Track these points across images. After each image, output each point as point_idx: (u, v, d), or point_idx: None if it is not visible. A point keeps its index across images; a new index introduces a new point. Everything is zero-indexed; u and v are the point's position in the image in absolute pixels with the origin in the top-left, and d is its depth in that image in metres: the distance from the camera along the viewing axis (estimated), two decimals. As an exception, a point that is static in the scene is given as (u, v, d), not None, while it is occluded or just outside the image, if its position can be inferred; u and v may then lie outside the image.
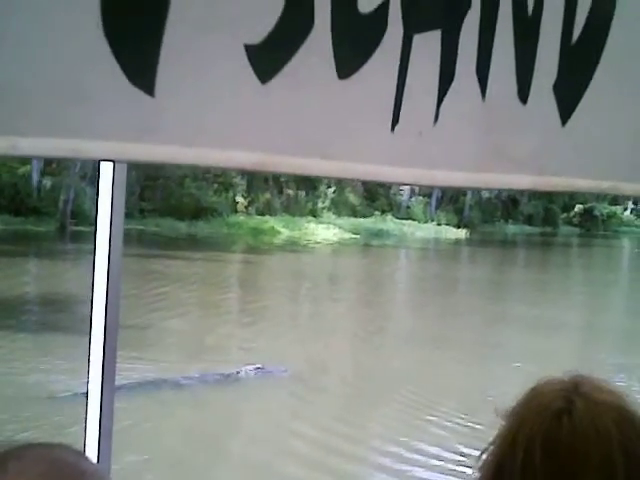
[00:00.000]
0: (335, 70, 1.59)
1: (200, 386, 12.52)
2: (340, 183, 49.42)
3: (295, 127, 1.57)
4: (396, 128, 1.67)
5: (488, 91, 1.78)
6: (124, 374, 10.73)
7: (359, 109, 1.64)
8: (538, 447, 1.18)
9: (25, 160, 37.42)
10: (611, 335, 18.81)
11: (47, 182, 37.51)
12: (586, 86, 1.89)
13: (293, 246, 36.32)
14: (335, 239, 40.02)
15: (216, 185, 42.91)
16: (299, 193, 47.06)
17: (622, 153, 2.00)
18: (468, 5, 1.75)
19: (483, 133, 1.81)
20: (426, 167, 1.76)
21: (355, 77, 1.61)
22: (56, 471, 0.94)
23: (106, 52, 1.31)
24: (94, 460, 1.74)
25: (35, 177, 37.31)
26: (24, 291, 20.96)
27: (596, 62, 1.90)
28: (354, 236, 41.16)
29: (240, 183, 44.86)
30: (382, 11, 1.63)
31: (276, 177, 47.38)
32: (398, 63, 1.66)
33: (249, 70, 1.48)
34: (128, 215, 1.94)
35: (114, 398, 2.00)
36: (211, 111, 1.46)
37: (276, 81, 1.51)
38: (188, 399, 11.99)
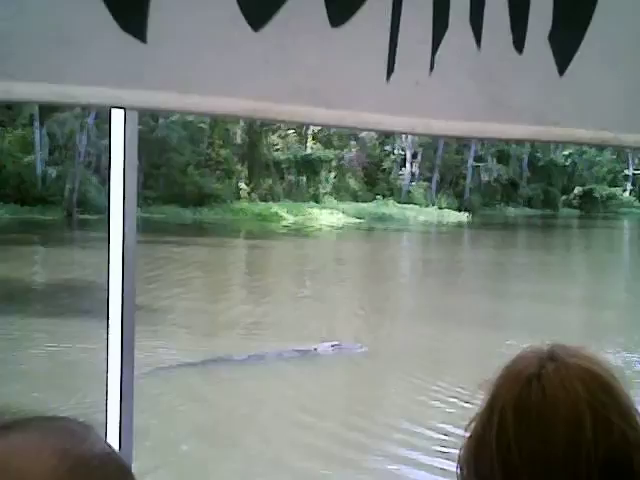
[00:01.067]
0: (327, 18, 1.61)
1: (281, 362, 12.89)
2: (341, 168, 49.86)
3: (289, 74, 1.59)
4: (391, 77, 1.68)
5: (483, 40, 1.79)
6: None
7: (353, 58, 1.66)
8: (510, 412, 1.22)
9: (28, 148, 37.70)
10: (611, 309, 19.26)
11: (52, 171, 37.78)
12: (582, 36, 1.89)
13: (298, 231, 36.70)
14: (339, 224, 40.39)
15: (218, 172, 43.19)
16: (300, 179, 47.40)
17: (622, 103, 1.99)
18: None
19: (480, 82, 1.82)
20: (423, 116, 1.78)
21: (348, 25, 1.64)
22: (63, 441, 0.88)
23: None
24: (116, 444, 1.94)
25: (39, 166, 37.61)
26: (40, 278, 21.32)
27: (591, 10, 1.89)
28: (358, 220, 41.53)
29: (242, 170, 45.18)
30: None
31: (277, 163, 47.80)
32: (390, 11, 1.68)
33: (240, 17, 1.51)
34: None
35: (133, 381, 2.01)
36: (204, 58, 1.50)
37: (268, 28, 1.54)
38: (278, 373, 12.40)
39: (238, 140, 45.94)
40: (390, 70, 1.68)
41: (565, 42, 1.88)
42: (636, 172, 60.60)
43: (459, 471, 1.27)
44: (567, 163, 58.14)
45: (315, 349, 13.51)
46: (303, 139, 50.04)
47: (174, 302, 17.47)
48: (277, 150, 48.16)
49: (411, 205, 48.24)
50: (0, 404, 9.75)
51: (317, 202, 45.14)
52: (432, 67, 1.73)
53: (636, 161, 60.77)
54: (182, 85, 1.47)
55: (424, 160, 52.99)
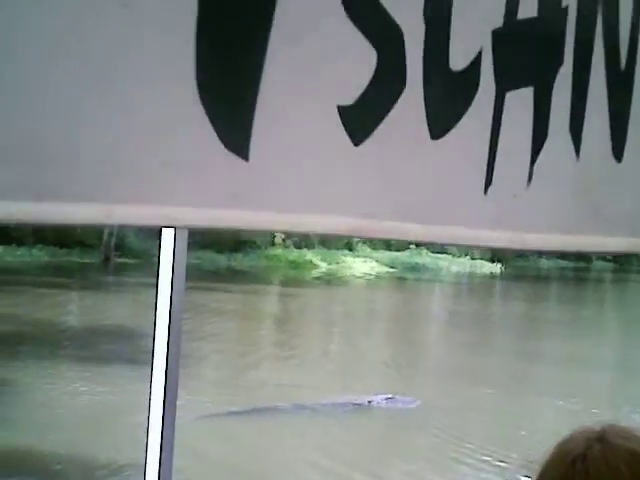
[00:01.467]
0: (428, 130, 1.57)
1: (335, 413, 13.08)
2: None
3: (389, 189, 1.54)
4: (489, 189, 1.64)
5: (582, 149, 1.72)
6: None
7: (452, 170, 1.61)
8: None
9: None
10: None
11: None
12: None
13: (332, 279, 36.93)
14: (372, 272, 40.51)
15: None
16: (334, 226, 47.70)
17: None
18: (560, 60, 1.72)
19: (578, 194, 1.74)
20: (519, 230, 1.72)
21: (448, 137, 1.59)
22: None
23: (201, 115, 1.30)
24: None
25: (79, 210, 38.23)
26: (79, 322, 21.75)
27: None
28: (391, 270, 41.63)
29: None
30: (474, 68, 1.61)
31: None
32: (491, 122, 1.63)
33: (341, 131, 1.46)
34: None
35: (174, 432, 1.94)
36: (304, 174, 1.44)
37: (369, 142, 1.49)
38: (337, 424, 12.66)
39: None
40: (488, 183, 1.64)
41: None
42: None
43: None
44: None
45: (369, 402, 13.47)
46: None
47: (205, 351, 17.74)
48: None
49: (444, 255, 48.27)
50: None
51: (351, 250, 45.35)
52: (530, 179, 1.68)
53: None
54: (281, 203, 1.41)
55: (458, 210, 53.10)
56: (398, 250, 47.09)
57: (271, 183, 1.40)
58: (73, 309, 24.21)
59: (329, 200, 1.47)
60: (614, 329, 27.66)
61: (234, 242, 40.85)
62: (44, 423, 11.68)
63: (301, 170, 1.44)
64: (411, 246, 48.63)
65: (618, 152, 1.78)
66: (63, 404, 12.74)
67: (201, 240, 40.99)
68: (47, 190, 1.17)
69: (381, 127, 1.50)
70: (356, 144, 1.48)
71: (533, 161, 1.68)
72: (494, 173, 1.64)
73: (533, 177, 1.69)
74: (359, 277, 38.82)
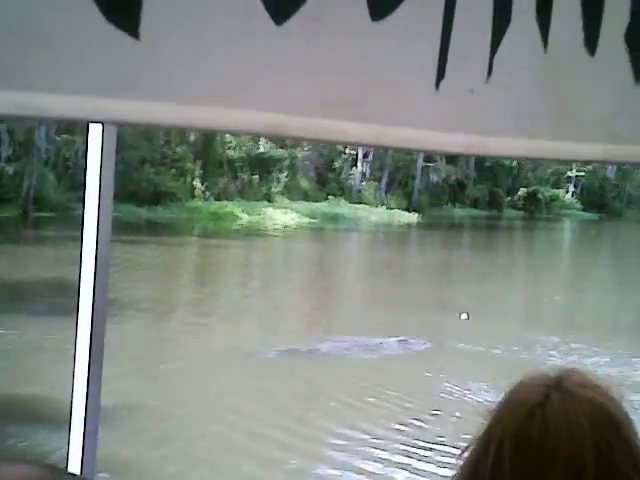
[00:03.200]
0: (367, 8, 1.32)
1: (352, 354, 13.77)
2: (293, 167, 50.54)
3: (318, 80, 1.30)
4: (441, 84, 1.40)
5: (550, 38, 1.49)
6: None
7: (396, 59, 1.37)
8: (508, 443, 1.14)
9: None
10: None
11: (9, 168, 37.93)
12: None
13: (253, 230, 37.36)
14: (293, 223, 41.09)
15: (174, 170, 43.62)
16: (253, 178, 48.01)
17: None
18: None
19: (546, 91, 1.53)
20: (478, 132, 1.50)
21: (391, 18, 1.34)
22: None
23: None
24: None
25: (-3, 163, 37.74)
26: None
27: None
28: (311, 220, 42.29)
29: (196, 168, 45.60)
30: None
31: (230, 161, 48.27)
32: (443, 2, 1.38)
33: (260, 7, 1.21)
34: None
35: (101, 381, 1.83)
36: (211, 58, 1.20)
37: (295, 21, 1.24)
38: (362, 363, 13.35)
39: (191, 137, 46.37)
40: (440, 76, 1.40)
41: None
42: (578, 174, 62.28)
43: None
44: (513, 164, 59.55)
45: (381, 343, 14.16)
46: (255, 137, 50.60)
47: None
48: (230, 148, 48.65)
49: (362, 205, 49.22)
50: None
51: (270, 201, 45.84)
52: (490, 72, 1.45)
53: (578, 163, 62.50)
54: (184, 93, 1.19)
55: (375, 160, 53.97)
56: (316, 201, 47.80)
57: (169, 68, 1.18)
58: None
59: (243, 90, 1.25)
60: (522, 273, 29.18)
61: (154, 194, 40.82)
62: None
63: (207, 53, 1.20)
64: (329, 197, 49.48)
65: (591, 44, 1.54)
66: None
67: (120, 193, 40.89)
68: None
69: (309, 3, 1.25)
70: (278, 22, 1.23)
71: (493, 51, 1.45)
72: (447, 64, 1.40)
73: (493, 70, 1.45)
74: (280, 228, 39.45)
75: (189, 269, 26.39)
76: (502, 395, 1.21)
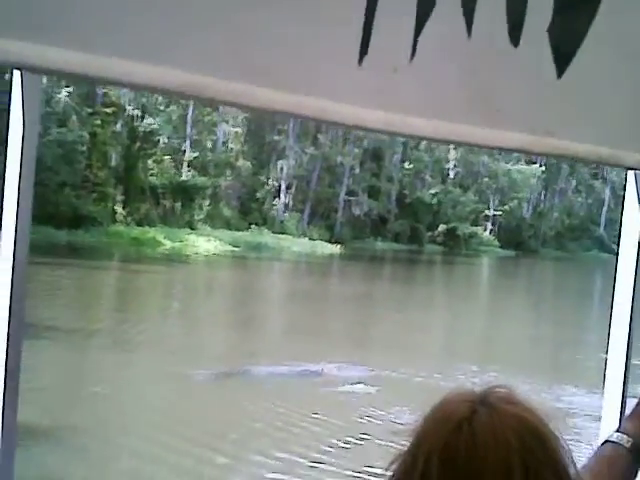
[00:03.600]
0: None
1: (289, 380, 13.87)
2: (215, 196, 50.51)
3: (237, 43, 1.28)
4: (365, 60, 1.38)
5: (475, 27, 1.50)
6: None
7: (319, 28, 1.35)
8: (436, 458, 1.13)
9: None
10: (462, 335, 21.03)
11: None
12: (584, 33, 1.59)
13: (176, 257, 37.16)
14: (216, 251, 40.94)
15: (95, 194, 43.11)
16: (176, 205, 47.77)
17: (624, 116, 1.72)
18: None
19: (468, 76, 1.54)
20: (400, 111, 1.49)
21: None
22: None
23: None
24: None
25: None
26: None
27: (596, 5, 1.60)
28: (234, 248, 42.30)
29: (118, 193, 45.16)
30: None
31: (153, 187, 47.87)
32: None
33: None
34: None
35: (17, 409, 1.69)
36: (124, 8, 1.16)
37: None
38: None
39: (113, 162, 45.98)
40: (364, 51, 1.39)
41: (565, 38, 1.58)
42: (496, 213, 63.88)
43: None
44: (433, 201, 60.75)
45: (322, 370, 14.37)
46: (178, 165, 50.50)
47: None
48: (152, 175, 48.40)
49: (285, 235, 49.43)
50: None
51: (192, 229, 45.66)
52: (414, 53, 1.44)
53: (496, 202, 64.13)
54: (95, 42, 1.15)
55: (298, 192, 54.40)
56: (239, 229, 47.83)
57: (81, 13, 1.14)
58: None
59: (161, 47, 1.21)
60: (441, 305, 29.66)
61: (74, 217, 40.20)
62: None
63: (129, 6, 1.18)
64: (252, 225, 49.57)
65: (515, 35, 1.54)
66: None
67: (38, 215, 40.12)
68: None
69: None
70: None
71: (417, 33, 1.44)
72: (371, 40, 1.39)
73: (417, 51, 1.44)
74: (203, 255, 39.25)
75: (110, 294, 25.96)
76: (426, 411, 1.20)
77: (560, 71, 1.59)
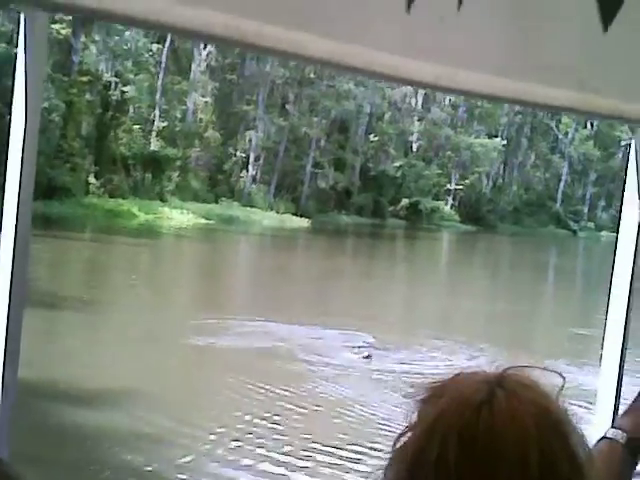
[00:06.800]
0: None
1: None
2: (185, 167, 50.22)
3: None
4: (412, 7, 1.15)
5: None
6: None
7: None
8: (454, 438, 1.11)
9: None
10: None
11: None
12: None
13: (150, 229, 37.68)
14: (190, 224, 41.38)
15: (70, 165, 43.13)
16: (146, 176, 47.67)
17: None
18: None
19: (514, 30, 1.46)
20: (448, 64, 1.41)
21: None
22: None
23: None
24: None
25: None
26: None
27: None
28: (208, 221, 42.65)
29: (90, 163, 44.94)
30: None
31: (124, 157, 47.46)
32: None
33: None
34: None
35: (17, 383, 1.76)
36: None
37: None
38: None
39: (84, 132, 45.50)
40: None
41: None
42: (457, 187, 64.76)
43: None
44: (397, 174, 61.27)
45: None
46: (147, 135, 50.15)
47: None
48: (122, 145, 48.10)
49: (253, 208, 49.91)
50: None
51: (162, 200, 45.74)
52: (461, 1, 1.22)
53: (457, 176, 65.02)
54: None
55: (265, 163, 54.63)
56: (206, 202, 47.68)
57: None
58: None
59: None
60: (403, 279, 31.12)
61: (48, 188, 40.22)
62: None
63: None
64: (220, 198, 49.50)
65: None
66: None
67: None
68: None
69: None
70: None
71: None
72: None
73: (464, 1, 1.22)
74: (176, 228, 39.69)
75: (86, 265, 26.92)
76: (440, 384, 1.15)
77: (605, 24, 1.36)
